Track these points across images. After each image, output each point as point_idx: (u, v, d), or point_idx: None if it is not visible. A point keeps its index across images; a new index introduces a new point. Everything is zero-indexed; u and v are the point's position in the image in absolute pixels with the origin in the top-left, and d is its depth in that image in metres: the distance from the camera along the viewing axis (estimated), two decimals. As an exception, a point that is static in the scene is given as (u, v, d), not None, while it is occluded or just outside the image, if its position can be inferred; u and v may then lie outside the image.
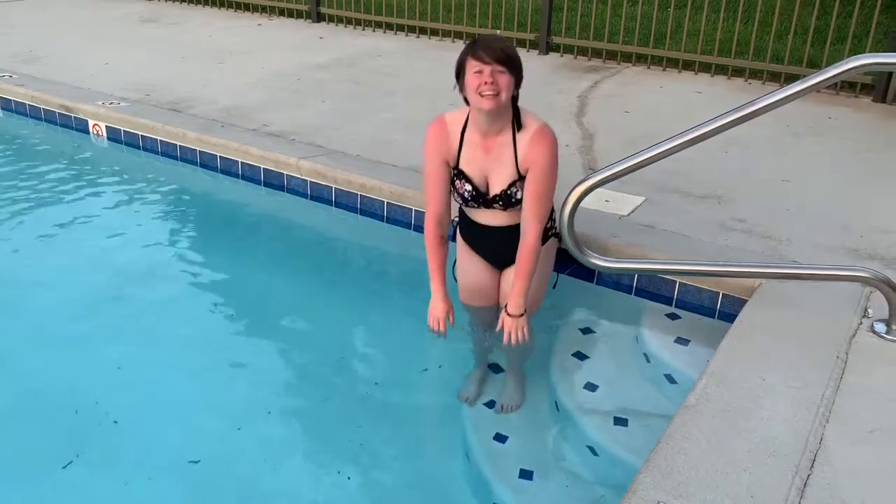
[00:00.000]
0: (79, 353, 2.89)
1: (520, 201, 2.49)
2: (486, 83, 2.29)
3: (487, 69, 2.29)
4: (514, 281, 2.49)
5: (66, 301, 3.22)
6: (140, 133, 4.61)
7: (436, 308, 2.60)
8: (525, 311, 2.50)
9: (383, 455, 2.46)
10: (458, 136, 2.49)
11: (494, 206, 2.53)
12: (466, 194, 2.53)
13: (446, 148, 2.50)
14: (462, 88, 2.40)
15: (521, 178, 2.46)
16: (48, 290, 3.30)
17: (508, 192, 2.48)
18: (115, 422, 2.54)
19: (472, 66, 2.32)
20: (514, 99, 2.43)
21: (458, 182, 2.54)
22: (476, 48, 2.33)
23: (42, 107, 5.12)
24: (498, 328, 2.54)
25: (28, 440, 2.47)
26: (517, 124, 2.44)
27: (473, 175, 2.50)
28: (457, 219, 2.75)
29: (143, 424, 2.54)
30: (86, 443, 2.44)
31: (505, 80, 2.31)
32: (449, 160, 2.51)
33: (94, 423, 2.53)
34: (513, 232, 2.56)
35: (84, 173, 4.46)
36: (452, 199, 2.60)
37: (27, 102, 5.21)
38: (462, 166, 2.51)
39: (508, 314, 2.50)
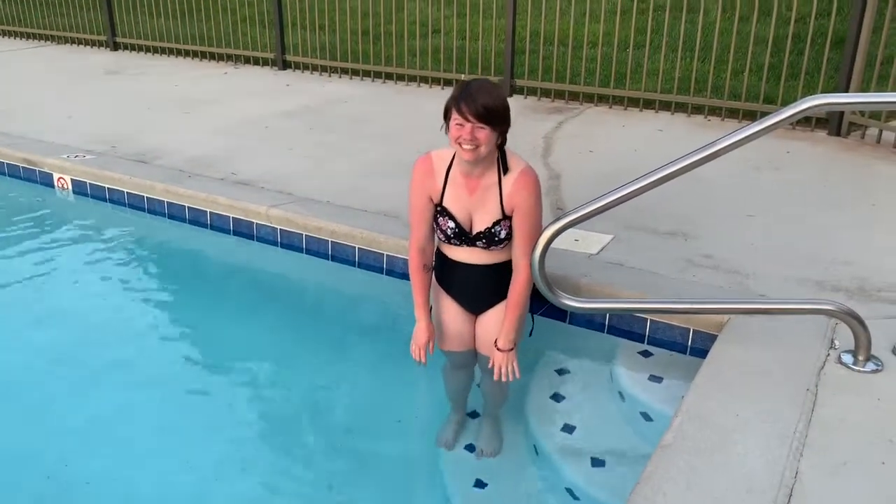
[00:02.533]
0: (46, 413, 2.82)
1: (503, 240, 2.52)
2: (465, 138, 2.33)
3: (468, 125, 2.31)
4: (505, 315, 2.53)
5: (33, 359, 3.15)
6: (106, 185, 4.58)
7: (419, 336, 2.61)
8: (515, 345, 2.53)
9: (362, 506, 2.43)
10: (444, 173, 2.52)
11: (477, 243, 2.55)
12: (449, 231, 2.55)
13: (431, 185, 2.53)
14: (447, 131, 2.42)
15: (505, 217, 2.49)
16: (13, 349, 3.24)
17: (493, 230, 2.50)
18: (87, 483, 2.48)
19: (455, 117, 2.34)
20: (502, 142, 2.45)
21: (441, 219, 2.55)
22: (460, 100, 2.33)
23: (5, 161, 5.06)
24: (490, 364, 2.55)
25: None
26: (503, 167, 2.47)
27: (457, 213, 2.52)
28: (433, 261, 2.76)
29: (116, 485, 2.48)
30: (56, 507, 2.38)
31: (485, 135, 2.33)
32: (433, 196, 2.54)
33: (66, 485, 2.46)
34: (488, 271, 2.59)
35: (49, 228, 4.40)
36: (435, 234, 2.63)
37: (-10, 157, 5.15)
38: (446, 204, 2.53)
39: (498, 349, 2.53)
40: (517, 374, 2.54)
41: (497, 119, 2.34)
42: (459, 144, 2.35)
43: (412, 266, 2.60)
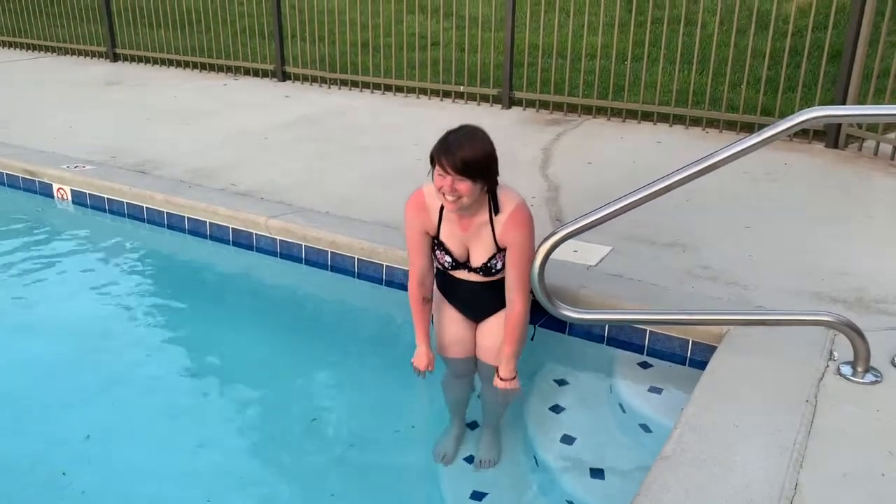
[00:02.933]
0: (43, 423, 2.82)
1: (499, 271, 2.55)
2: (446, 189, 2.33)
3: (448, 178, 2.30)
4: (503, 346, 2.57)
5: (30, 368, 3.15)
6: (106, 196, 4.58)
7: (418, 360, 2.67)
8: (516, 373, 2.58)
9: (360, 518, 2.43)
10: (438, 209, 2.52)
11: (474, 273, 2.59)
12: (447, 264, 2.60)
13: (426, 221, 2.55)
14: (433, 178, 2.41)
15: (500, 250, 2.51)
16: (12, 358, 3.23)
17: (489, 264, 2.54)
18: (83, 492, 2.47)
19: (437, 168, 2.34)
20: (492, 186, 2.43)
21: (438, 252, 2.59)
22: (441, 152, 2.31)
23: (5, 172, 5.07)
24: (496, 383, 2.59)
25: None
26: (494, 207, 2.46)
27: (453, 248, 2.56)
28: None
29: (112, 495, 2.47)
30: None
31: (466, 187, 2.31)
32: (429, 231, 2.57)
33: (61, 496, 2.45)
34: (488, 286, 2.61)
35: (49, 238, 4.40)
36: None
37: (-10, 168, 5.16)
38: (442, 238, 2.56)
39: (501, 378, 2.57)
40: (518, 387, 2.59)
41: (478, 172, 2.32)
42: (443, 195, 2.35)
43: (412, 298, 2.64)
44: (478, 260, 2.54)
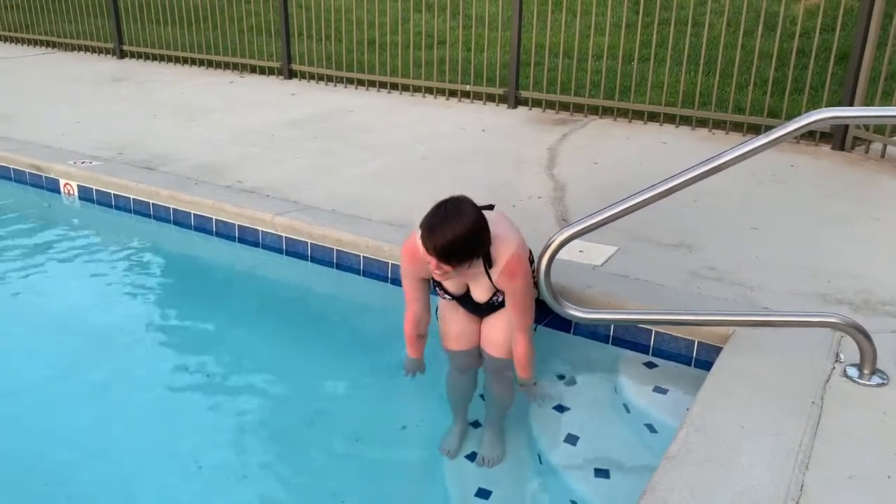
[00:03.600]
0: (48, 420, 2.82)
1: (502, 303, 2.59)
2: (432, 267, 2.35)
3: (433, 259, 2.30)
4: (518, 372, 2.65)
5: (36, 365, 3.15)
6: (112, 192, 4.60)
7: (408, 370, 2.83)
8: (535, 380, 2.71)
9: (364, 515, 2.43)
10: None
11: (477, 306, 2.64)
12: (448, 298, 2.65)
13: (421, 269, 2.56)
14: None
15: (500, 290, 2.54)
16: (16, 355, 3.24)
17: (491, 300, 2.59)
18: (85, 491, 2.47)
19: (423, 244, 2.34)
20: (482, 253, 2.41)
21: (438, 290, 2.65)
22: (424, 237, 2.29)
23: (12, 167, 5.08)
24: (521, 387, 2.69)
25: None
26: (487, 262, 2.46)
27: (452, 289, 2.61)
28: None
29: (116, 494, 2.48)
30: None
31: (452, 267, 2.32)
32: (425, 276, 2.60)
33: (59, 495, 2.46)
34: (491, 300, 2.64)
35: (55, 233, 4.41)
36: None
37: (-3, 163, 5.17)
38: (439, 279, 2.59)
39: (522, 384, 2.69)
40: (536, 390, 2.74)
41: (459, 257, 2.30)
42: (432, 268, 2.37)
43: (407, 335, 2.72)
44: (480, 297, 2.59)
